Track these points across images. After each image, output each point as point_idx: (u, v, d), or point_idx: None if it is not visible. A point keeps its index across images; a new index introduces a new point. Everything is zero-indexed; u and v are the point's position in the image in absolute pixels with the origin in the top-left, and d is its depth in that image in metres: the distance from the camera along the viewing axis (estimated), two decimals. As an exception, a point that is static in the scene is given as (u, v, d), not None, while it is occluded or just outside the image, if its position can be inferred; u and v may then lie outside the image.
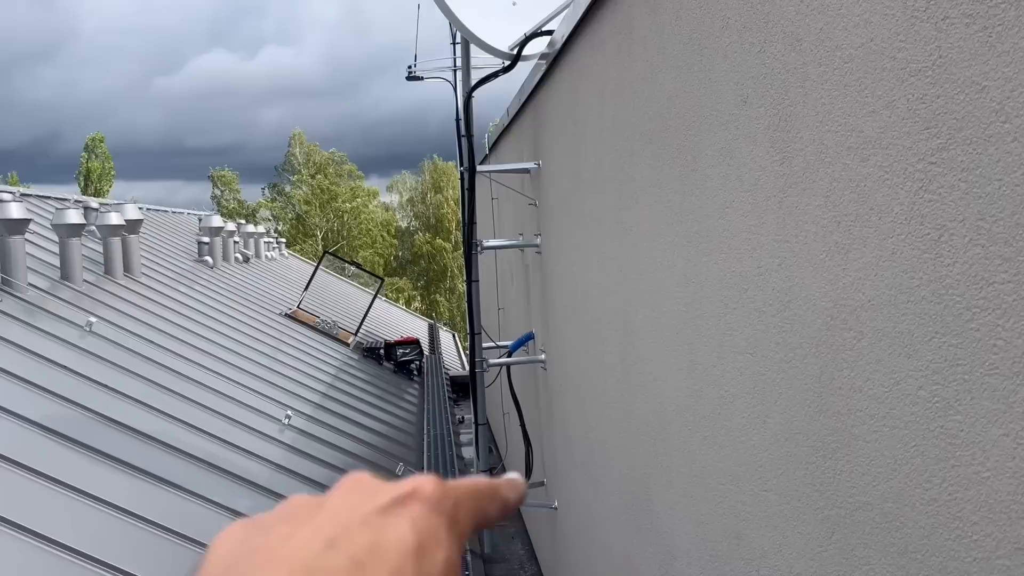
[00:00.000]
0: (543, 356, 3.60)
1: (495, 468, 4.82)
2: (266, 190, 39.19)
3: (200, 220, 11.71)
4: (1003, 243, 0.73)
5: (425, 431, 6.61)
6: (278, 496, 4.00)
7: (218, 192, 38.45)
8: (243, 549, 0.31)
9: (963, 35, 0.77)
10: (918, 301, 0.85)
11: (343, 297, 13.41)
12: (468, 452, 6.79)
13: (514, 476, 0.38)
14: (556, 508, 3.56)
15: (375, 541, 0.30)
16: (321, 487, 4.55)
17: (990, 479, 0.77)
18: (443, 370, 9.61)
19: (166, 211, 13.45)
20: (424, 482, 0.34)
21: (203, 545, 3.03)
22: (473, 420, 4.05)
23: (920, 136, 0.83)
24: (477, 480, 0.36)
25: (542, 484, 3.88)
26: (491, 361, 3.80)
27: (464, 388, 7.58)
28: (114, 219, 6.61)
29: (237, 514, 3.55)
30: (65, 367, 4.05)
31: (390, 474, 5.20)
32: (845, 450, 1.02)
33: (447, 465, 5.57)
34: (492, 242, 3.92)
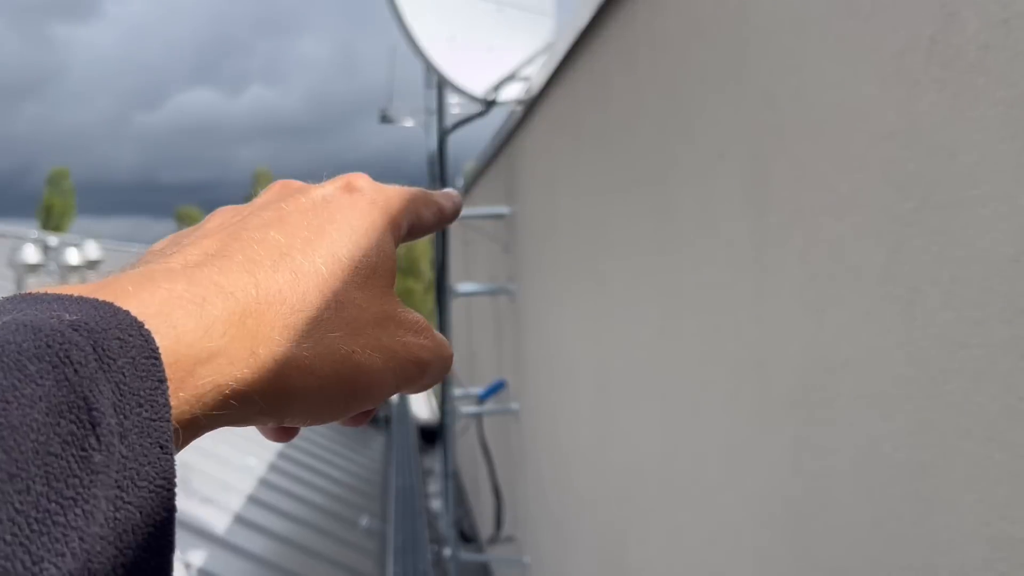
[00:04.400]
0: (516, 405, 3.56)
1: (463, 520, 4.71)
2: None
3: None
4: (975, 307, 0.73)
5: (392, 482, 6.47)
6: (234, 548, 3.86)
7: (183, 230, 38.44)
8: (166, 245, 0.30)
9: (934, 100, 0.78)
10: (893, 363, 0.85)
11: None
12: (436, 504, 6.65)
13: (450, 190, 0.38)
14: (528, 564, 3.47)
15: (310, 222, 0.30)
16: (281, 539, 4.40)
17: (965, 545, 0.76)
18: (412, 418, 9.47)
19: (130, 249, 13.27)
20: (355, 176, 0.34)
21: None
22: (443, 471, 3.97)
23: (893, 198, 0.84)
24: (410, 187, 0.36)
25: (512, 540, 3.79)
26: (462, 411, 3.75)
27: (433, 436, 7.45)
28: (73, 258, 6.48)
29: (189, 567, 3.41)
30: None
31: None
32: (822, 513, 1.00)
33: (414, 517, 5.44)
34: (465, 287, 3.89)
